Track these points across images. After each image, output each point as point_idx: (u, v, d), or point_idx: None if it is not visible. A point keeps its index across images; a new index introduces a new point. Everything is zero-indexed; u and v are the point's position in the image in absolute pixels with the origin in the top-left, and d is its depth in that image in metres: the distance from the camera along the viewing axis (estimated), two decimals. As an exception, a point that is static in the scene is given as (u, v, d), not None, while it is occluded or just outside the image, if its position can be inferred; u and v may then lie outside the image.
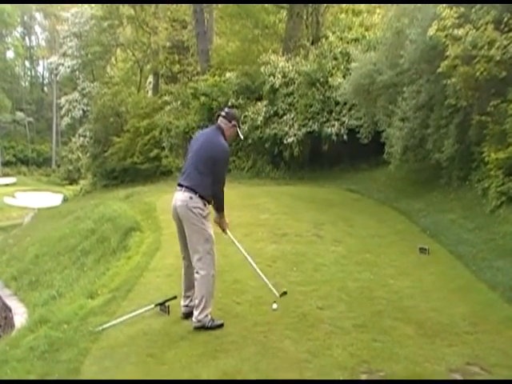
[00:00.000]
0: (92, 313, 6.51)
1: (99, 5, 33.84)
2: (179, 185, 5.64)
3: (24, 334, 6.71)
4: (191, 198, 5.50)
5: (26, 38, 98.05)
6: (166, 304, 6.11)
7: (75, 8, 40.36)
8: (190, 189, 5.52)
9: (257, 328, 5.58)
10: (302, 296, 6.54)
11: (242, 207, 12.32)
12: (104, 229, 13.06)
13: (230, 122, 5.77)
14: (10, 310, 12.35)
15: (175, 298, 6.14)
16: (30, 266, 15.02)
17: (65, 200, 36.41)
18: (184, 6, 30.05)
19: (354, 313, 5.98)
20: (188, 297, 5.89)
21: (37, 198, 56.52)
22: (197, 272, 5.55)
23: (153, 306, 6.14)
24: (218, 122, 5.79)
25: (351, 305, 6.24)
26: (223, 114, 5.83)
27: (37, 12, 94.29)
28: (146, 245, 9.97)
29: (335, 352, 4.98)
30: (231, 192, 13.89)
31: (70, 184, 53.65)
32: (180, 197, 5.56)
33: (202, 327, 5.52)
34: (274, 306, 6.03)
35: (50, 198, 51.48)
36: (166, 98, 24.66)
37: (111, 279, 8.34)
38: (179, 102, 22.80)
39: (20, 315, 11.29)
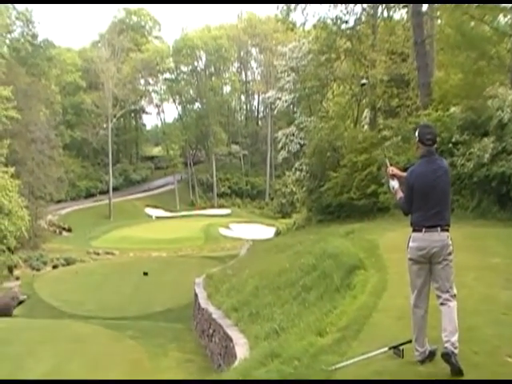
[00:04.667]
0: (323, 351, 6.90)
1: (316, 39, 35.41)
2: (431, 226, 5.88)
3: (254, 366, 7.41)
4: (448, 236, 5.90)
5: (242, 73, 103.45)
6: (400, 348, 6.19)
7: (293, 43, 42.78)
8: (446, 229, 5.90)
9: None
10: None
11: (467, 248, 12.18)
12: (326, 265, 13.56)
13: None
14: (231, 340, 13.40)
15: (410, 341, 6.15)
16: (249, 297, 16.06)
17: (277, 233, 38.19)
18: (403, 38, 30.51)
19: None
20: (422, 343, 6.06)
21: (250, 229, 59.87)
22: (449, 300, 5.85)
23: (386, 348, 6.26)
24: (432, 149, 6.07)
25: None
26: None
27: (253, 47, 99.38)
28: (372, 284, 10.29)
29: None
30: (455, 233, 13.89)
31: (283, 217, 55.81)
32: (436, 238, 5.87)
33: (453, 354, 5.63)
34: None
35: (263, 231, 54.30)
36: (386, 132, 25.00)
37: (339, 318, 8.79)
38: (399, 137, 23.06)
39: (241, 346, 12.28)
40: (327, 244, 16.06)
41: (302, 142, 38.50)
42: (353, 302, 9.64)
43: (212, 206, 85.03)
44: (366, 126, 33.56)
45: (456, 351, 5.64)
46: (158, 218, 77.45)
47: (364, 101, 33.01)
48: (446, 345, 5.65)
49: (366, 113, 34.11)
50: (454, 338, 5.67)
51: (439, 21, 26.98)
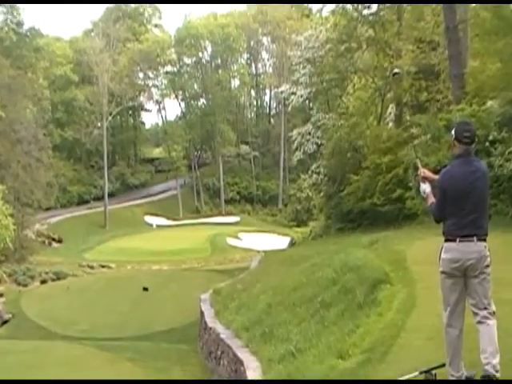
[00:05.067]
0: (345, 375, 6.95)
1: (334, 26, 35.34)
2: (467, 236, 5.86)
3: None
4: (485, 246, 5.88)
5: (252, 65, 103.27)
6: (433, 372, 6.20)
7: (309, 31, 42.74)
8: (483, 239, 5.88)
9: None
10: None
11: (506, 260, 12.00)
12: (347, 279, 13.56)
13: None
14: (242, 363, 13.21)
15: (443, 365, 6.13)
16: (262, 315, 15.99)
17: (292, 243, 38.27)
18: (432, 23, 30.37)
19: None
20: (457, 367, 6.00)
21: (261, 239, 59.99)
22: (487, 318, 5.80)
23: (417, 373, 6.27)
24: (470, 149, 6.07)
25: None
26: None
27: (264, 36, 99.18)
28: (399, 300, 10.28)
29: None
30: (493, 243, 13.80)
31: (298, 226, 55.99)
32: (473, 248, 5.85)
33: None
34: None
35: (276, 241, 54.42)
36: (413, 130, 24.85)
37: (362, 338, 8.82)
38: (429, 136, 22.90)
39: (253, 370, 12.09)
40: (348, 255, 16.03)
41: (320, 142, 38.29)
42: (378, 320, 9.66)
43: (219, 214, 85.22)
44: (390, 124, 33.56)
45: (498, 375, 5.58)
46: (158, 226, 77.86)
47: (389, 95, 32.95)
48: (487, 367, 5.61)
49: (391, 109, 34.09)
50: (496, 361, 5.61)
51: (473, 3, 26.82)
